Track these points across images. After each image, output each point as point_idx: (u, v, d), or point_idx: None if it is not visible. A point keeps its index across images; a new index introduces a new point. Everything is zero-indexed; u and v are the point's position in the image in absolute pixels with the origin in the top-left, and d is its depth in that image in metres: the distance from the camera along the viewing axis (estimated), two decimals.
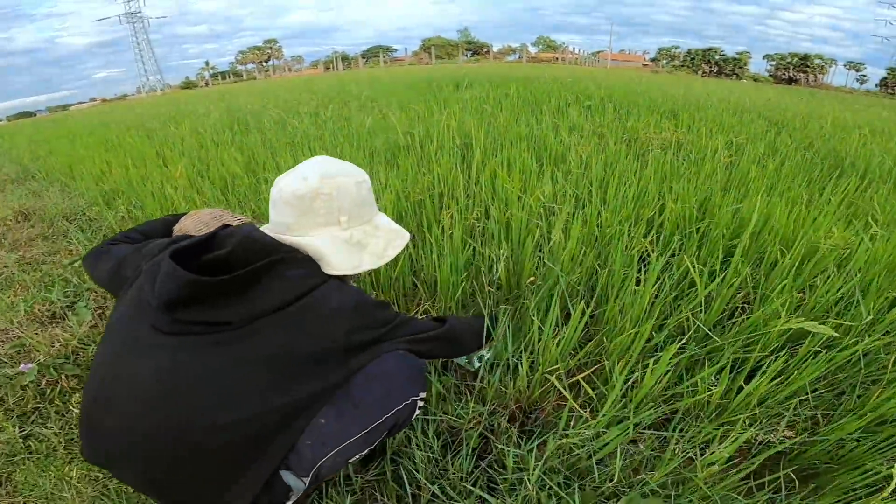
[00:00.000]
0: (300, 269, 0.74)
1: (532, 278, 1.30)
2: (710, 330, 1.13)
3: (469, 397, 1.07)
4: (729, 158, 2.59)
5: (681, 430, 0.97)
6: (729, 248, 1.54)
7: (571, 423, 0.98)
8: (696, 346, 1.11)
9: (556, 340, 1.03)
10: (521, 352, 1.09)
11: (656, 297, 1.22)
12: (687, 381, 1.10)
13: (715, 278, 1.18)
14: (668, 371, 1.00)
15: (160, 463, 0.64)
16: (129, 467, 0.67)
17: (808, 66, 52.72)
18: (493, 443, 1.00)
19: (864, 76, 56.25)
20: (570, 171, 2.27)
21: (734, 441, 0.83)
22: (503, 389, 1.09)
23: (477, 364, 1.12)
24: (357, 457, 0.76)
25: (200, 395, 0.64)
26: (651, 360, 0.98)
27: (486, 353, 1.14)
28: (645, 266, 1.42)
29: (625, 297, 1.16)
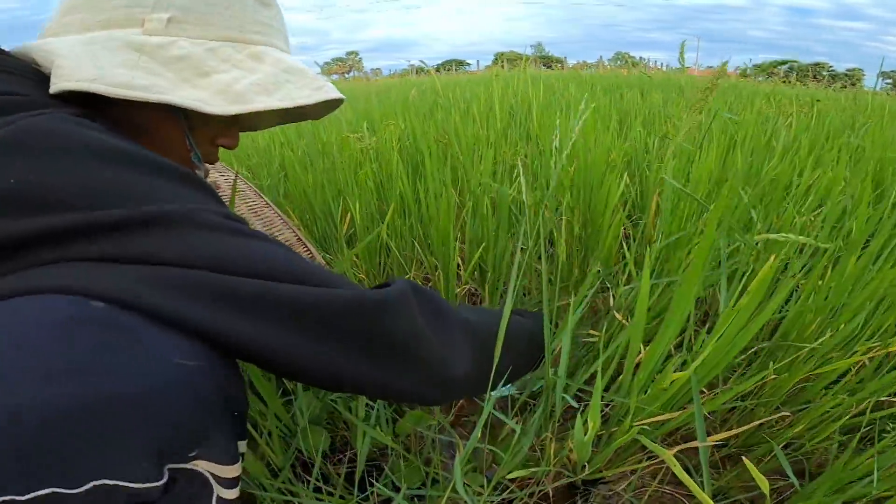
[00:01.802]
0: None
1: None
2: None
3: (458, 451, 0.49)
4: None
5: None
6: None
7: None
8: None
9: (677, 359, 0.42)
10: (582, 378, 0.50)
11: None
12: None
13: None
14: None
15: None
16: None
17: None
18: None
19: None
20: (667, 135, 1.63)
21: None
22: (539, 448, 0.50)
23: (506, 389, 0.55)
24: None
25: None
26: None
27: (510, 389, 0.57)
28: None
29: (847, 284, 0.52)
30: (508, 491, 0.50)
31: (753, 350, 0.57)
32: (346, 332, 0.33)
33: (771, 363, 0.52)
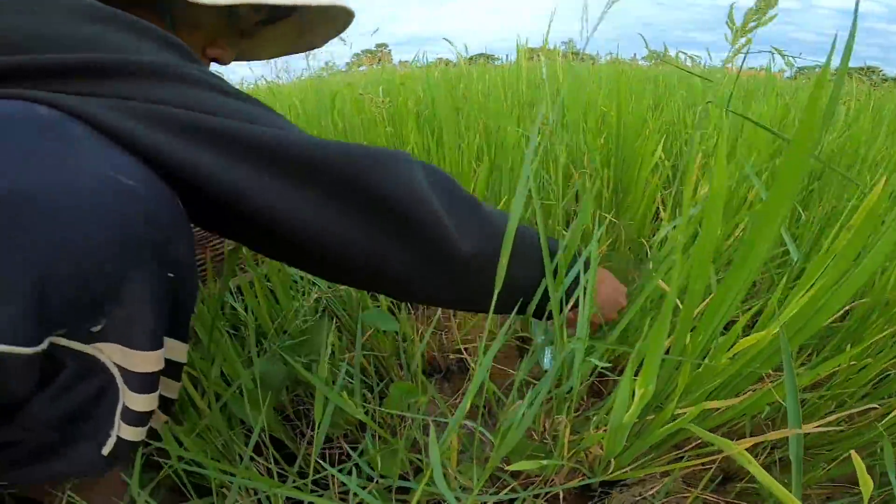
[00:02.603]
0: None
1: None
2: None
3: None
4: None
5: None
6: None
7: None
8: None
9: (739, 325, 0.32)
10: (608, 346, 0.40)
11: None
12: None
13: None
14: None
15: None
16: None
17: None
18: None
19: None
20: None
21: None
22: (552, 436, 0.41)
23: (548, 361, 0.52)
24: None
25: None
26: None
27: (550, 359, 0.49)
28: None
29: None
30: (509, 489, 0.41)
31: (827, 327, 0.46)
32: (332, 181, 0.28)
33: (849, 345, 0.42)
